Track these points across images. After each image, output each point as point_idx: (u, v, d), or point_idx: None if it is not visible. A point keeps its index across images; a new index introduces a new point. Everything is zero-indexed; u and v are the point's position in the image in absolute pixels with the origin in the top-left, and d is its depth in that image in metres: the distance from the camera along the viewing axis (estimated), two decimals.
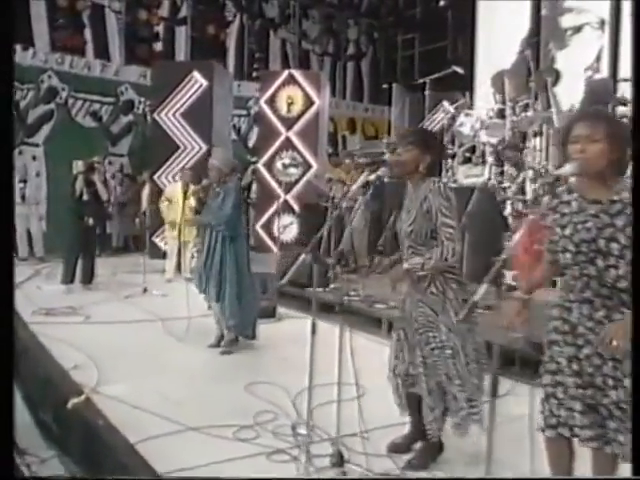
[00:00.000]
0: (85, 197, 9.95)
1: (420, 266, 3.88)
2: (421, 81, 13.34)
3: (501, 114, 10.30)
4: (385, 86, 17.09)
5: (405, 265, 3.97)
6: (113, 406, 4.83)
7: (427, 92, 13.37)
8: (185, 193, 9.10)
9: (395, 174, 4.18)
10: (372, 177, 4.30)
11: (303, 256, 3.89)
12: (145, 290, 9.50)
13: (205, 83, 13.04)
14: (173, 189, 10.73)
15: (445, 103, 11.97)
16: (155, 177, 13.15)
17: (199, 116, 12.90)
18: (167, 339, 7.08)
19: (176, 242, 10.32)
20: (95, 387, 5.31)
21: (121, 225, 14.96)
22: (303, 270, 6.22)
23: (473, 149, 10.68)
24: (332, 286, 8.60)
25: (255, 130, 16.35)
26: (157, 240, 12.71)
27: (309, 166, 13.30)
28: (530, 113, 9.68)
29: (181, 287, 8.16)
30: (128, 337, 7.14)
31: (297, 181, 13.25)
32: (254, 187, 13.91)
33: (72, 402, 4.50)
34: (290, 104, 13.30)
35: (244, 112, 17.04)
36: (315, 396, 4.06)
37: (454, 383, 3.94)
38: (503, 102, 10.26)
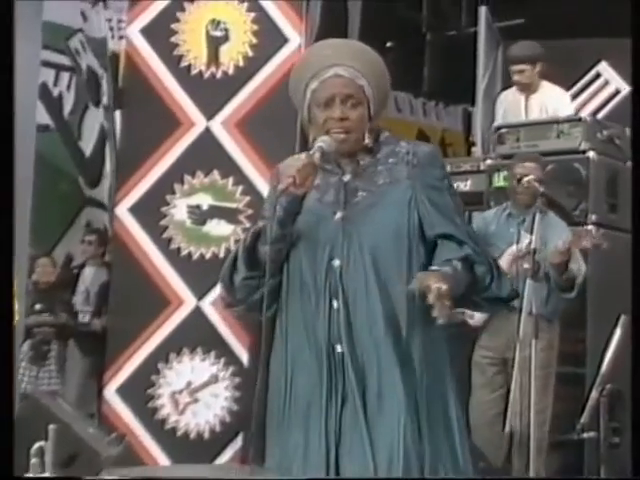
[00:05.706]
0: None
1: None
2: None
3: None
4: None
5: None
6: None
7: None
8: None
9: None
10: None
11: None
12: None
13: None
14: None
15: None
16: None
17: None
18: None
19: None
20: None
21: None
22: None
23: None
24: None
25: (95, 112, 7.10)
26: None
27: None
28: None
29: None
30: None
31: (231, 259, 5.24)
32: (90, 272, 6.84)
33: None
34: (219, 41, 5.45)
35: (64, 60, 7.33)
36: None
37: None
38: None
